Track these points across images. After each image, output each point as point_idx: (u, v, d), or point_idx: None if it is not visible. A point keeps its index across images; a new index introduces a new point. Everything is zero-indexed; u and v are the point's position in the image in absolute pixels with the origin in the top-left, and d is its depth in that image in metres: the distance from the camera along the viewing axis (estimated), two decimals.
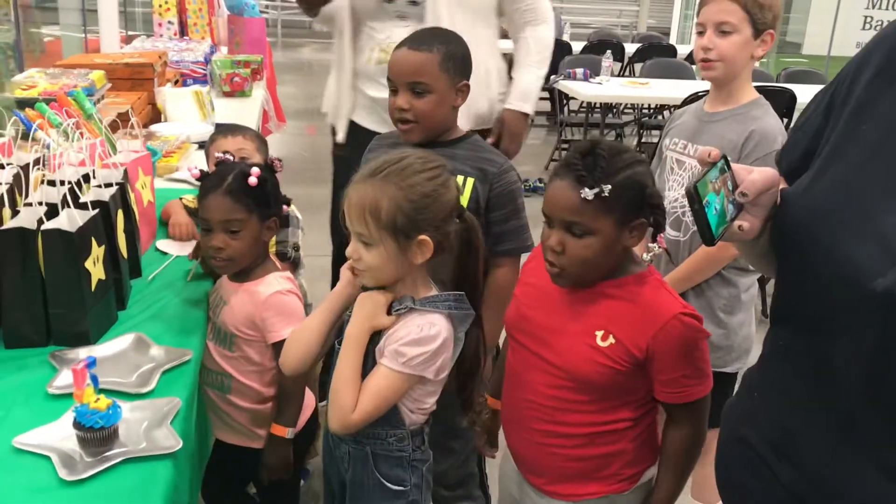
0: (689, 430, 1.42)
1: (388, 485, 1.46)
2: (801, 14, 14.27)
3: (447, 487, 2.03)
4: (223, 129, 2.23)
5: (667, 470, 1.45)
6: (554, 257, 1.35)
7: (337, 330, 1.46)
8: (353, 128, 2.49)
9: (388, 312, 1.38)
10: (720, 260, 1.93)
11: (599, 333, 1.36)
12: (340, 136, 2.50)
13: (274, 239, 2.05)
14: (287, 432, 1.67)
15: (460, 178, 1.75)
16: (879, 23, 13.25)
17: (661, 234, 1.41)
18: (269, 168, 1.71)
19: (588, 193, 1.28)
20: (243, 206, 1.62)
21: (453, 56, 1.75)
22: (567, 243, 1.33)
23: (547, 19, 2.50)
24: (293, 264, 2.12)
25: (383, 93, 2.44)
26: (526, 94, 2.44)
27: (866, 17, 13.22)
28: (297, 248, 2.14)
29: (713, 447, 1.20)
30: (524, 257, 1.68)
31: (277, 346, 1.63)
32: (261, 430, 1.73)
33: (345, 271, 1.45)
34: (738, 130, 1.91)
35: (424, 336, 1.34)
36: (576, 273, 1.36)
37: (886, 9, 13.17)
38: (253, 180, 1.61)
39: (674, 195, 1.99)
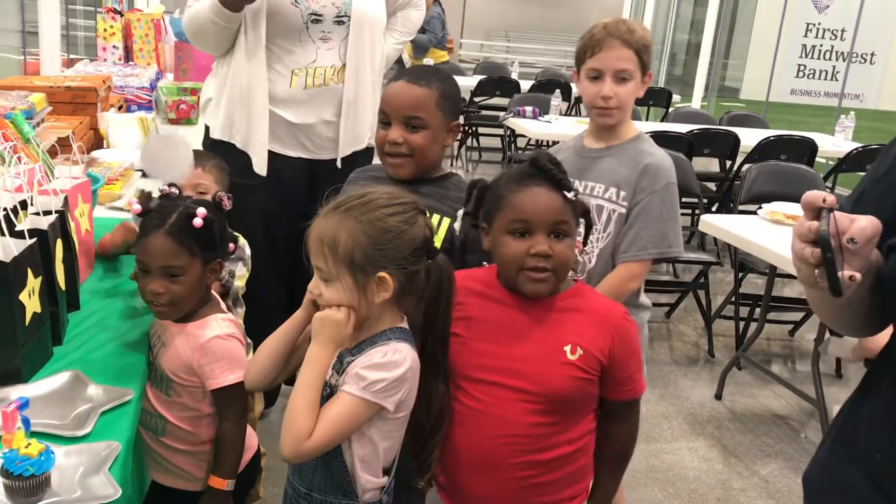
0: (632, 424, 1.51)
1: None
2: (739, 61, 14.74)
3: None
4: None
5: (609, 467, 1.51)
6: (545, 262, 1.38)
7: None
8: (270, 156, 2.43)
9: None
10: (623, 293, 1.93)
11: (568, 348, 1.39)
12: (262, 168, 2.43)
13: None
14: (227, 484, 1.58)
15: (436, 218, 1.71)
16: (812, 71, 13.76)
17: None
18: (216, 206, 1.61)
19: (570, 195, 1.39)
20: (185, 249, 1.51)
21: (449, 95, 1.73)
22: (553, 247, 1.38)
23: (419, 5, 2.67)
24: (233, 300, 2.02)
25: (306, 118, 2.42)
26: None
27: (800, 65, 13.70)
28: (232, 275, 2.03)
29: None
30: None
31: (216, 393, 1.56)
32: (198, 471, 1.64)
33: (308, 301, 1.40)
34: (629, 165, 1.94)
35: (388, 361, 1.30)
36: (560, 276, 1.41)
37: (818, 58, 13.68)
38: (199, 222, 1.51)
39: None
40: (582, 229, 1.48)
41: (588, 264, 1.93)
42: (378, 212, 1.31)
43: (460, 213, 1.71)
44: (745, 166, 4.62)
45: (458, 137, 7.38)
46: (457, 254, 1.71)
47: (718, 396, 3.54)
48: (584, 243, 1.54)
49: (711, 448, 3.11)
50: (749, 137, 5.11)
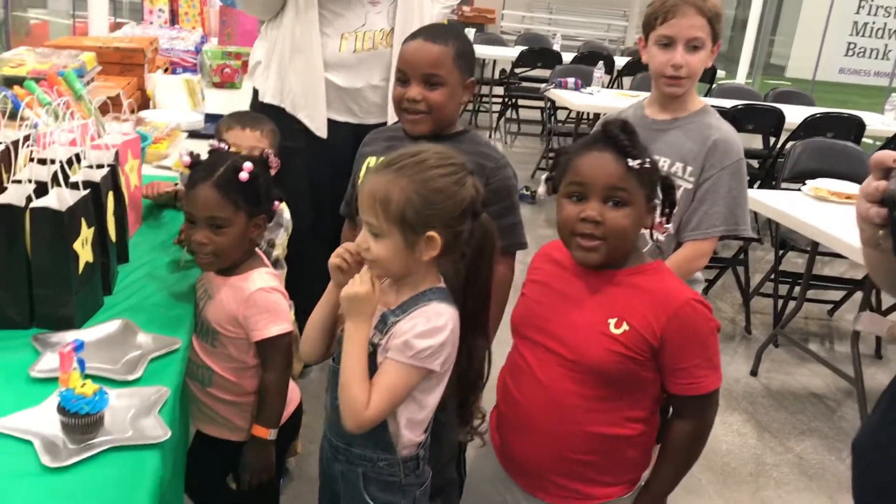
0: (696, 424, 1.43)
1: None
2: (786, 37, 14.43)
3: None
4: (241, 119, 2.05)
5: (667, 463, 1.45)
6: (593, 228, 1.35)
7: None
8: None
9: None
10: (691, 271, 1.92)
11: (613, 321, 1.36)
12: (322, 131, 2.45)
13: None
14: (269, 433, 1.62)
15: None
16: (862, 49, 13.42)
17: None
18: (263, 162, 1.64)
19: (634, 163, 1.33)
20: (230, 201, 1.55)
21: (465, 53, 1.75)
22: (606, 214, 1.34)
23: None
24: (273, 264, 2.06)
25: (354, 82, 2.43)
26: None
27: (850, 43, 13.38)
28: (272, 244, 2.06)
29: None
30: (522, 256, 1.66)
31: (260, 345, 1.59)
32: (242, 422, 1.68)
33: (332, 269, 1.41)
34: (697, 140, 1.90)
35: (432, 327, 1.32)
36: (612, 246, 1.36)
37: (869, 36, 13.34)
38: (244, 175, 1.54)
39: None
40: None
41: (650, 242, 1.86)
42: (430, 171, 1.32)
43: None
44: (790, 143, 4.55)
45: (500, 99, 7.34)
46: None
47: (754, 373, 3.52)
48: (668, 220, 1.47)
49: (745, 423, 3.10)
50: (794, 114, 5.02)
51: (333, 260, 1.39)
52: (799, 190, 3.40)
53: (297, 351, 1.70)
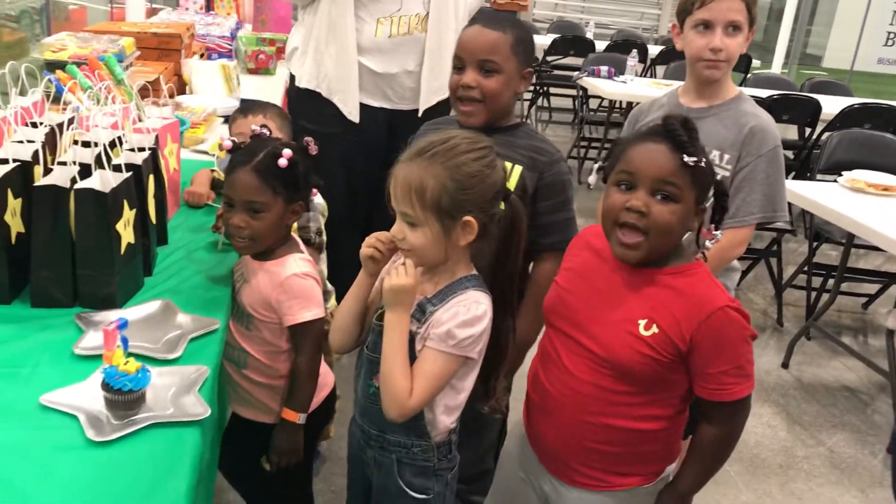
0: (723, 430, 1.40)
1: (412, 493, 1.46)
2: (824, 27, 14.18)
3: (464, 481, 2.02)
4: (245, 108, 2.13)
5: (693, 464, 1.44)
6: (637, 219, 1.33)
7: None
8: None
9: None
10: (728, 259, 1.91)
11: (643, 322, 1.35)
12: (355, 115, 2.46)
13: (296, 224, 2.02)
14: (298, 417, 1.64)
15: (507, 166, 1.73)
16: None
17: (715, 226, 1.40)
18: (303, 150, 1.65)
19: (689, 159, 1.30)
20: (269, 186, 1.57)
21: (523, 41, 1.73)
22: (652, 206, 1.31)
23: None
24: (317, 249, 2.09)
25: (389, 67, 2.44)
26: None
27: (889, 32, 13.12)
28: (320, 233, 2.10)
29: None
30: None
31: (292, 329, 1.61)
32: (275, 405, 1.70)
33: (364, 259, 1.42)
34: (733, 128, 1.88)
35: (473, 316, 1.34)
36: (654, 242, 1.34)
37: None
38: (283, 162, 1.56)
39: None
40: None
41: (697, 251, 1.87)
42: (463, 157, 1.33)
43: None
44: (826, 134, 4.49)
45: (531, 87, 7.31)
46: (528, 202, 1.73)
47: (785, 365, 3.49)
48: (717, 227, 1.40)
49: (776, 416, 3.09)
50: (831, 105, 4.95)
51: (365, 250, 1.40)
52: (835, 181, 3.36)
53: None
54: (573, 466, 1.46)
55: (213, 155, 2.34)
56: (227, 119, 2.91)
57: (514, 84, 1.73)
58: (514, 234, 1.41)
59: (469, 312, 1.34)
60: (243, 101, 3.14)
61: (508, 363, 1.51)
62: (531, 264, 1.83)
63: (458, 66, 1.73)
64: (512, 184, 1.72)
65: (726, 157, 1.87)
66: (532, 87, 7.53)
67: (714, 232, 1.39)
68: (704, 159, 1.33)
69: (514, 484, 1.62)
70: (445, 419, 1.43)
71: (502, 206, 1.39)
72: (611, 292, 1.40)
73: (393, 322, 1.34)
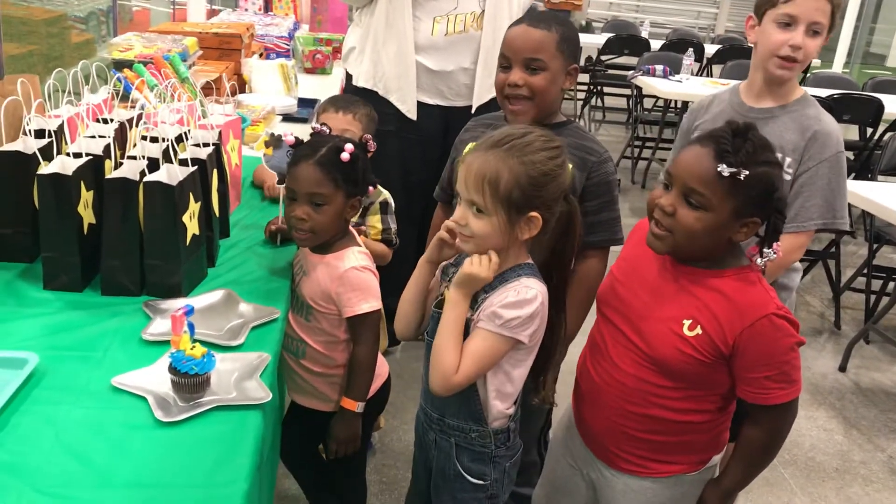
0: (766, 432, 1.41)
1: (469, 478, 1.50)
2: (889, 25, 13.81)
3: None
4: (336, 102, 2.13)
5: (738, 462, 1.46)
6: (661, 217, 1.35)
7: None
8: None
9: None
10: (785, 265, 1.88)
11: (687, 322, 1.37)
12: (412, 113, 2.50)
13: (379, 225, 2.06)
14: (357, 406, 1.68)
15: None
16: None
17: (777, 243, 1.37)
18: (362, 146, 1.69)
19: (725, 170, 1.27)
20: (331, 180, 1.61)
21: (568, 38, 1.74)
22: (679, 209, 1.33)
23: None
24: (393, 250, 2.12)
25: (445, 65, 2.47)
26: None
27: None
28: (397, 234, 2.12)
29: None
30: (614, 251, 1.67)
31: (351, 320, 1.65)
32: (332, 393, 1.75)
33: (436, 243, 1.46)
34: (797, 130, 1.83)
35: (521, 299, 1.36)
36: (678, 242, 1.35)
37: None
38: (345, 156, 1.60)
39: None
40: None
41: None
42: (539, 154, 1.35)
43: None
44: (888, 134, 4.39)
45: (585, 86, 7.28)
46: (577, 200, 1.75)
47: (843, 369, 3.43)
48: (760, 252, 1.38)
49: (832, 419, 3.04)
50: (894, 105, 4.84)
51: (441, 234, 1.44)
52: None
53: (383, 329, 1.76)
54: (617, 452, 1.50)
55: (261, 152, 2.40)
56: (286, 117, 2.99)
57: (560, 81, 1.75)
58: (570, 232, 1.44)
59: (518, 295, 1.36)
60: (301, 99, 3.21)
61: (560, 357, 1.54)
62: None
63: (505, 64, 1.76)
64: None
65: (788, 160, 1.83)
66: (586, 87, 7.50)
67: (766, 250, 1.36)
68: (747, 171, 1.27)
69: (564, 471, 1.65)
70: (499, 404, 1.45)
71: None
72: (660, 289, 1.42)
73: (454, 302, 1.38)
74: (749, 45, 1.93)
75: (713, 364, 1.36)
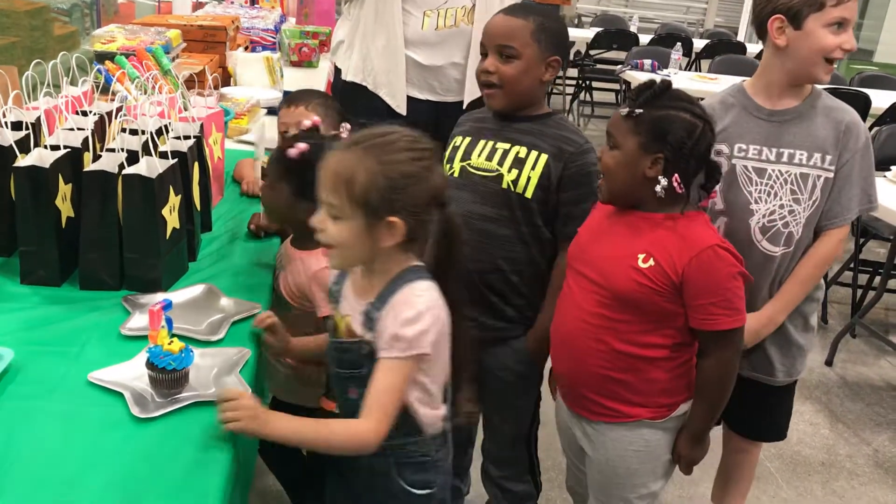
0: (716, 361, 1.54)
1: (415, 491, 1.39)
2: (876, 21, 13.86)
3: (495, 464, 2.03)
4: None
5: (698, 401, 1.59)
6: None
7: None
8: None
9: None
10: (833, 259, 1.86)
11: (641, 256, 1.51)
12: (402, 108, 2.47)
13: None
14: (336, 407, 1.66)
15: (533, 154, 1.73)
16: None
17: (714, 194, 1.58)
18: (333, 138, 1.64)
19: (622, 111, 1.50)
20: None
21: (546, 29, 1.72)
22: (604, 156, 1.55)
23: None
24: None
25: (436, 60, 2.45)
26: None
27: None
28: None
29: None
30: None
31: (326, 319, 1.63)
32: (314, 390, 1.73)
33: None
34: (828, 126, 1.76)
35: (415, 313, 1.25)
36: (609, 187, 1.56)
37: None
38: (293, 152, 1.56)
39: (768, 207, 1.78)
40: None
41: (795, 235, 1.79)
42: (400, 154, 1.25)
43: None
44: (875, 129, 4.40)
45: (573, 81, 7.26)
46: (553, 190, 1.73)
47: (829, 363, 3.44)
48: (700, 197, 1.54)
49: (818, 413, 3.04)
50: (882, 99, 4.84)
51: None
52: (884, 177, 3.29)
53: None
54: (588, 396, 1.61)
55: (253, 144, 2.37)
56: (271, 110, 2.97)
57: (536, 72, 1.72)
58: (453, 245, 1.33)
59: (411, 308, 1.25)
60: (285, 93, 3.18)
61: (472, 368, 1.45)
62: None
63: (483, 52, 1.77)
64: (536, 174, 1.72)
65: (828, 157, 1.76)
66: (574, 81, 7.49)
67: (666, 184, 1.49)
68: (640, 110, 1.47)
69: (565, 425, 1.77)
70: (427, 410, 1.35)
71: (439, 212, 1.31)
72: (617, 235, 1.56)
73: (276, 432, 1.22)
74: (741, 41, 1.91)
75: (666, 294, 1.49)
